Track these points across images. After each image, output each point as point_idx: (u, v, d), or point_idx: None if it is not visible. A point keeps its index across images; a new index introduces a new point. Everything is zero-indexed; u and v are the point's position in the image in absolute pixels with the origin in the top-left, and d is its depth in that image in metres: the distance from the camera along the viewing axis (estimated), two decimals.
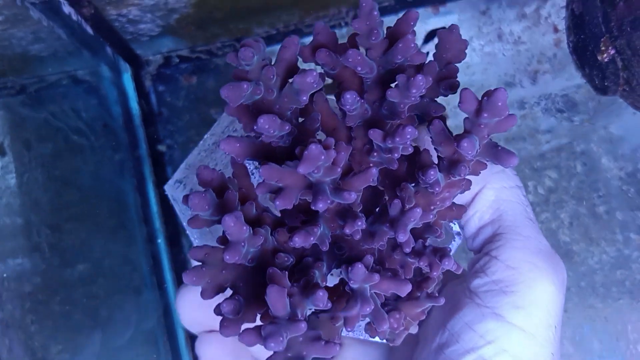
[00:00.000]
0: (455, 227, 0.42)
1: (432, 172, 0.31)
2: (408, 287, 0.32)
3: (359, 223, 0.32)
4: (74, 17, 0.61)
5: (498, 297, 0.34)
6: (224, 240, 0.32)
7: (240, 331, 0.31)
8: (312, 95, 0.35)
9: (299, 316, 0.30)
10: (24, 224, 0.60)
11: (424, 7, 0.72)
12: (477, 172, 0.33)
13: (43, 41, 0.61)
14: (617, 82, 0.57)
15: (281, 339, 0.28)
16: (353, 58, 0.33)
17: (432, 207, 0.34)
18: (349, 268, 0.31)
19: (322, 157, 0.30)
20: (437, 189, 0.32)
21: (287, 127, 0.32)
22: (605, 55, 0.57)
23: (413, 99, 0.32)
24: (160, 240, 0.68)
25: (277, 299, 0.29)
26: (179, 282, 0.70)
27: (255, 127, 0.31)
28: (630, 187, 0.71)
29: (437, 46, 0.35)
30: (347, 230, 0.32)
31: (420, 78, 0.31)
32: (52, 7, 0.58)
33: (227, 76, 0.71)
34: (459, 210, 0.36)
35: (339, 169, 0.31)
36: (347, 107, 0.33)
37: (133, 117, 0.68)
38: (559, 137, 0.71)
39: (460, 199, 0.36)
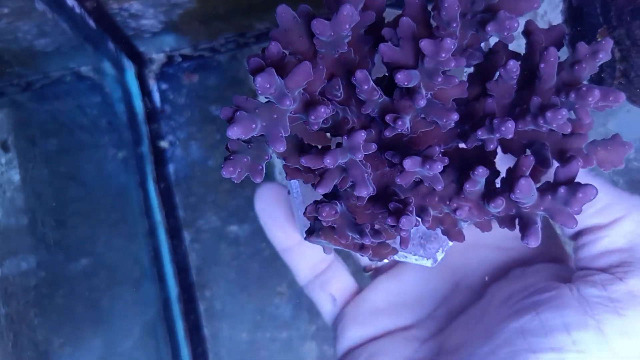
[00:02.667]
0: None
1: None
2: None
3: None
4: (77, 9, 0.66)
5: (608, 314, 0.35)
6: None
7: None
8: None
9: None
10: (28, 219, 0.66)
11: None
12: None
13: (48, 35, 0.67)
14: (613, 74, 0.60)
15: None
16: None
17: None
18: None
19: None
20: None
21: None
22: None
23: None
24: (161, 234, 0.74)
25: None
26: (179, 275, 0.76)
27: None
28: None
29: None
30: None
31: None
32: None
33: (228, 73, 0.77)
34: None
35: None
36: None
37: (137, 115, 0.74)
38: None
39: (590, 222, 0.38)
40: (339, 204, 0.35)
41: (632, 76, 0.58)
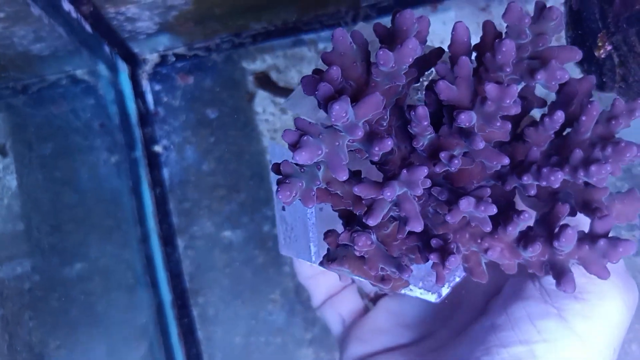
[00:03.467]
0: None
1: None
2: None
3: None
4: (74, 14, 0.67)
5: (568, 300, 0.37)
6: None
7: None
8: None
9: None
10: (24, 224, 0.68)
11: (422, 6, 0.77)
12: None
13: (44, 40, 0.68)
14: (614, 78, 0.61)
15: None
16: None
17: None
18: None
19: None
20: None
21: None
22: (602, 51, 0.61)
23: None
24: (154, 240, 0.76)
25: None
26: (172, 281, 0.78)
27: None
28: (624, 182, 0.78)
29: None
30: None
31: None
32: (52, 4, 0.65)
33: (224, 74, 0.77)
34: None
35: None
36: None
37: (129, 117, 0.75)
38: None
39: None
40: (373, 234, 0.36)
41: (631, 81, 0.60)
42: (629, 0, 0.59)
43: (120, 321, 0.75)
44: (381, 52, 0.33)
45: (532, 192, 0.35)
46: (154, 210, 0.77)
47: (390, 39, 0.36)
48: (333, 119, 0.32)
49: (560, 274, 0.34)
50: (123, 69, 0.76)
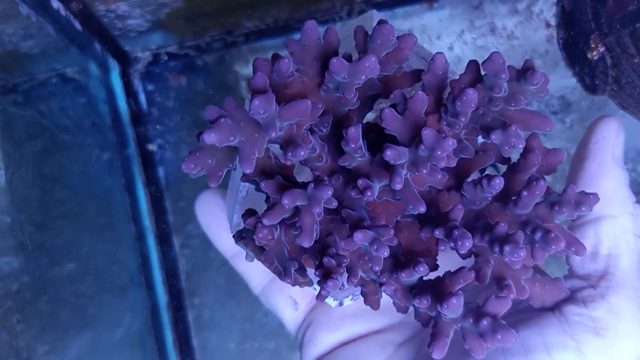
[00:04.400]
0: None
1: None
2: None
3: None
4: (63, 12, 0.67)
5: (589, 335, 0.36)
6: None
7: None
8: None
9: None
10: (12, 222, 0.66)
11: (419, 3, 0.78)
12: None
13: (33, 38, 0.68)
14: (606, 80, 0.61)
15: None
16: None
17: None
18: None
19: None
20: None
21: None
22: (594, 52, 0.62)
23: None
24: (150, 239, 0.74)
25: None
26: (168, 281, 0.76)
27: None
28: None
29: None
30: None
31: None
32: (41, 2, 0.64)
33: (217, 77, 0.77)
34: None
35: None
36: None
37: (121, 116, 0.74)
38: (553, 139, 0.77)
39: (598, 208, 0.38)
40: (278, 229, 0.36)
41: (623, 82, 0.60)
42: (623, 0, 0.58)
43: (113, 325, 0.73)
44: (335, 61, 0.33)
45: (442, 248, 0.35)
46: (149, 208, 0.75)
47: (363, 47, 0.36)
48: (251, 112, 0.32)
49: (436, 336, 0.34)
50: (114, 67, 0.75)
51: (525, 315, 0.38)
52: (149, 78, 0.77)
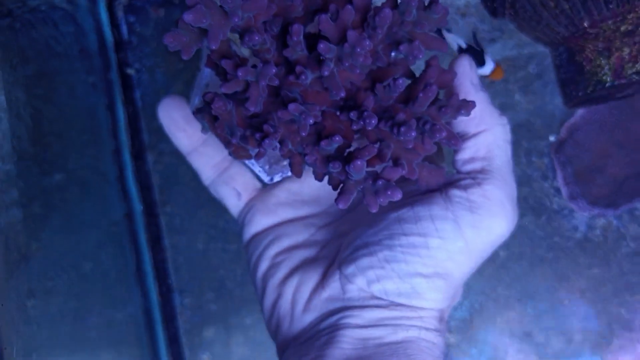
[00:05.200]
0: None
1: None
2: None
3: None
4: None
5: (464, 211, 0.44)
6: None
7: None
8: None
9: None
10: (11, 135, 0.74)
11: None
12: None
13: None
14: (504, 5, 0.70)
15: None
16: None
17: None
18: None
19: None
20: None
21: None
22: None
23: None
24: (126, 154, 0.83)
25: None
26: (142, 193, 0.85)
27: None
28: (537, 119, 0.88)
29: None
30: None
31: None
32: None
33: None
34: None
35: None
36: None
37: (106, 44, 0.82)
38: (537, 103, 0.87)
39: (463, 127, 0.46)
40: (230, 104, 0.44)
41: (518, 7, 0.69)
42: None
43: (94, 227, 0.82)
44: None
45: (355, 127, 0.42)
46: (125, 125, 0.84)
47: None
48: (220, 1, 0.39)
49: (343, 192, 0.42)
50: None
51: (420, 197, 0.46)
52: (131, 10, 0.84)
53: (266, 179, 0.54)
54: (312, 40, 0.44)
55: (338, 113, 0.45)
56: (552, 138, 0.88)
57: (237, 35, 0.43)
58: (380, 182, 0.41)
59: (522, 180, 0.88)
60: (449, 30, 0.82)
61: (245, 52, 0.48)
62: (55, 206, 0.80)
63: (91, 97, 0.81)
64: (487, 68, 0.79)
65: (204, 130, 0.46)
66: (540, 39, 0.72)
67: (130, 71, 0.85)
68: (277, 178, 0.55)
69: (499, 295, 0.89)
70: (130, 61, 0.85)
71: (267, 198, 0.54)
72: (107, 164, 0.83)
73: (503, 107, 0.87)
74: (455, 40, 0.80)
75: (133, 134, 0.85)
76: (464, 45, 0.80)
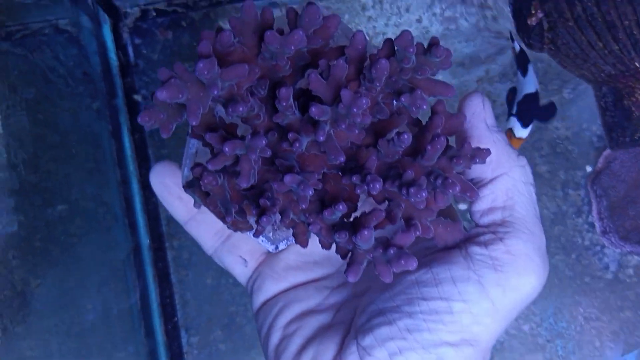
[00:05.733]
0: None
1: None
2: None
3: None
4: None
5: (488, 270, 0.41)
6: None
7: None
8: None
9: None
10: (8, 164, 0.70)
11: None
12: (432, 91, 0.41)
13: None
14: (542, 40, 0.68)
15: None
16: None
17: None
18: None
19: None
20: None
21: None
22: (533, 18, 0.68)
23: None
24: (134, 184, 0.79)
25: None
26: (149, 224, 0.81)
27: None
28: (574, 147, 0.83)
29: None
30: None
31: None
32: None
33: (201, 31, 0.80)
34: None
35: None
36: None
37: (111, 68, 0.78)
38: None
39: (479, 173, 0.43)
40: (221, 177, 0.41)
41: (559, 44, 0.67)
42: None
43: (98, 262, 0.78)
44: (269, 33, 0.38)
45: (359, 191, 0.40)
46: (132, 154, 0.80)
47: (294, 24, 0.41)
48: (196, 73, 0.37)
49: (352, 262, 0.40)
50: (105, 20, 0.79)
51: (437, 255, 0.43)
52: (137, 32, 0.80)
53: (271, 248, 0.51)
54: (304, 98, 0.42)
55: (340, 173, 0.42)
56: (589, 168, 0.83)
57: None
58: (392, 251, 0.38)
59: (557, 218, 0.83)
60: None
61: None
62: (57, 240, 0.75)
63: (95, 123, 0.77)
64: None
65: (196, 204, 0.44)
66: (584, 76, 0.69)
67: (137, 97, 0.81)
68: (282, 246, 0.51)
69: (526, 335, 0.84)
70: (136, 86, 0.81)
71: (276, 263, 0.51)
72: (113, 194, 0.78)
73: (539, 131, 0.83)
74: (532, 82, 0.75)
75: (140, 163, 0.81)
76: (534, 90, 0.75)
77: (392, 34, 0.83)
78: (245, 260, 0.51)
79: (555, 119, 0.82)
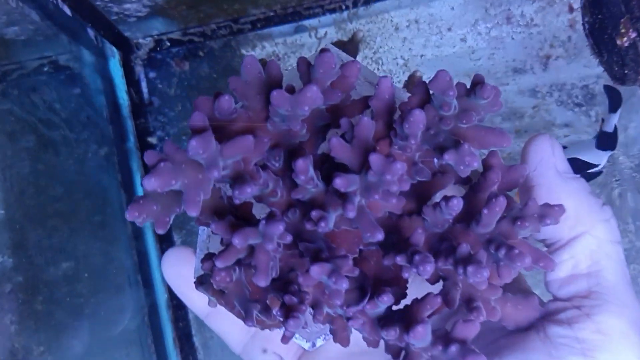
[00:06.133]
0: None
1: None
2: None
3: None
4: None
5: (576, 357, 0.34)
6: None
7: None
8: None
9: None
10: (6, 219, 0.63)
11: None
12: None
13: (17, 24, 0.63)
14: (638, 70, 0.57)
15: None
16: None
17: None
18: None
19: None
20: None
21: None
22: (625, 39, 0.58)
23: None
24: (149, 237, 0.71)
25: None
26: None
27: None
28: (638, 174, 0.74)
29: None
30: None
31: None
32: None
33: (221, 61, 0.73)
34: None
35: None
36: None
37: (120, 108, 0.70)
38: (579, 132, 0.73)
39: (552, 233, 0.36)
40: (237, 270, 0.35)
41: None
42: None
43: (109, 324, 0.71)
44: (275, 94, 0.32)
45: (407, 275, 0.34)
46: None
47: (307, 78, 0.35)
48: (189, 153, 0.30)
49: None
50: (112, 54, 0.71)
51: (509, 339, 0.36)
52: (151, 65, 0.73)
53: (307, 345, 0.44)
54: (329, 164, 0.37)
55: (379, 248, 0.36)
56: None
57: None
58: (454, 348, 0.32)
59: (630, 256, 0.74)
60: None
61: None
62: (62, 301, 0.68)
63: (102, 172, 0.69)
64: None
65: (211, 303, 0.38)
66: None
67: (151, 140, 0.72)
68: (320, 342, 0.44)
69: None
70: (151, 128, 0.72)
71: (315, 357, 0.44)
72: (124, 249, 0.70)
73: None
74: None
75: None
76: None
77: (432, 55, 0.75)
78: (281, 358, 0.45)
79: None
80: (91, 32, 0.67)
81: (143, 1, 0.67)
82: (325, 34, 0.72)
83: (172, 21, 0.72)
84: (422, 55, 0.74)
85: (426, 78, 0.72)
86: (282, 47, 0.72)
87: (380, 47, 0.74)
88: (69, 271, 0.68)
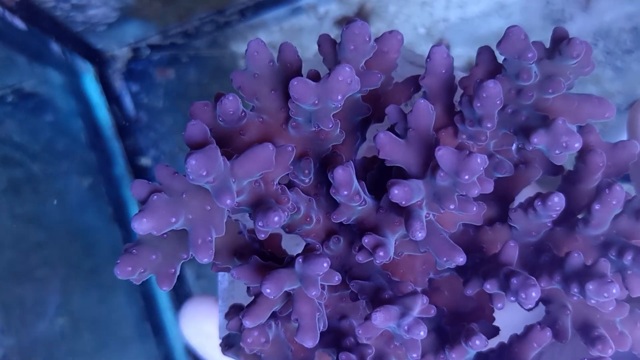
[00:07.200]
0: None
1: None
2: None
3: None
4: None
5: None
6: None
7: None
8: None
9: None
10: None
11: None
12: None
13: None
14: None
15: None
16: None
17: None
18: None
19: None
20: None
21: None
22: None
23: None
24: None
25: None
26: None
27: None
28: None
29: None
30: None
31: None
32: None
33: (210, 63, 0.64)
34: None
35: None
36: None
37: (102, 129, 0.61)
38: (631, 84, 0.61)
39: None
40: (273, 326, 0.29)
41: None
42: None
43: None
44: (295, 83, 0.25)
45: (500, 305, 0.28)
46: None
47: (333, 59, 0.29)
48: (190, 177, 0.24)
49: None
50: (85, 70, 0.61)
51: None
52: (132, 77, 0.65)
53: None
54: (376, 172, 0.31)
55: (456, 274, 0.30)
56: None
57: None
58: None
59: None
60: None
61: None
62: None
63: (88, 206, 0.60)
64: None
65: None
66: None
67: (145, 161, 0.62)
68: None
69: None
70: (142, 147, 0.62)
71: None
72: (124, 295, 0.62)
73: None
74: None
75: None
76: None
77: (456, 19, 0.64)
78: None
79: None
80: (56, 47, 0.58)
81: (110, 3, 0.58)
82: (326, 12, 0.62)
83: (148, 23, 0.63)
84: (445, 20, 0.63)
85: (454, 45, 0.61)
86: (279, 35, 0.63)
87: (395, 17, 0.64)
88: (66, 327, 0.60)
